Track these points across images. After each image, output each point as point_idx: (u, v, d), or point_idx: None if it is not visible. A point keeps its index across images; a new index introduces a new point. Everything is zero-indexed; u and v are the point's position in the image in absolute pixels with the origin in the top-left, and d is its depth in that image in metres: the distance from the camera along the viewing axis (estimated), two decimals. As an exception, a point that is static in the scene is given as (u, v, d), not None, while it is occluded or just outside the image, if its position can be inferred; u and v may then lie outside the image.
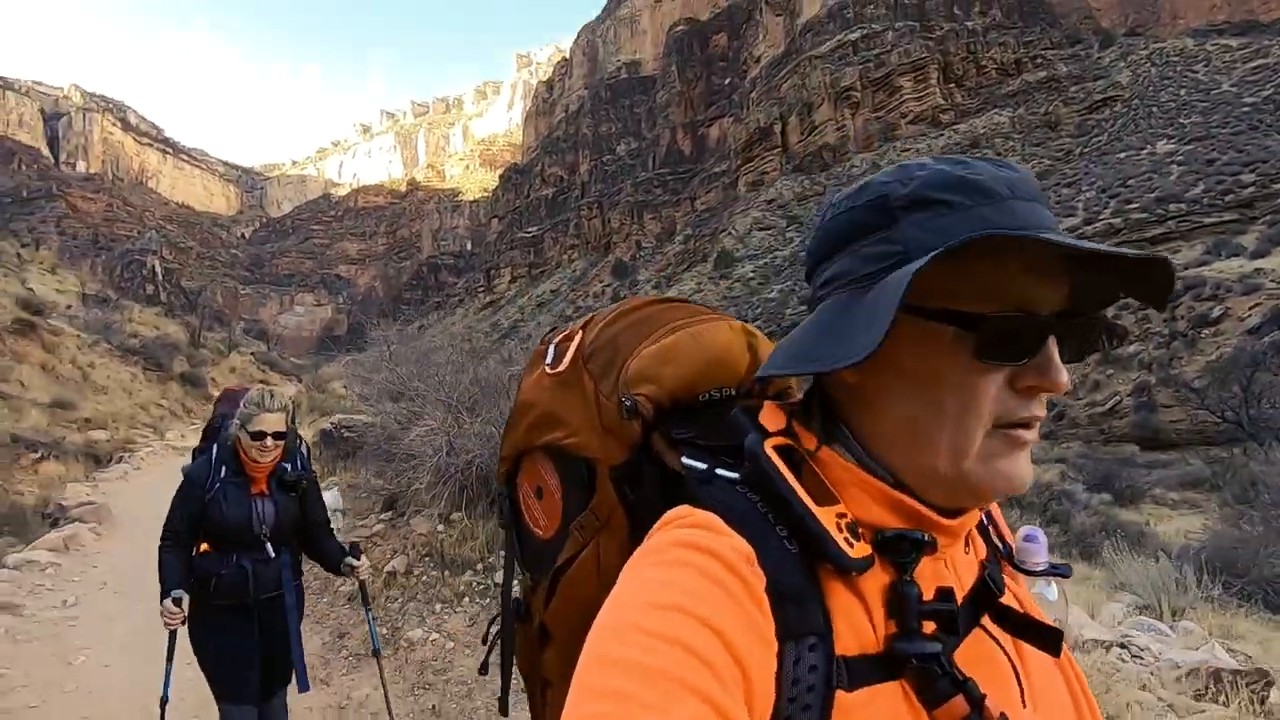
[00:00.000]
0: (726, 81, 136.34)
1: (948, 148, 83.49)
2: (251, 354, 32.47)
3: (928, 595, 0.58)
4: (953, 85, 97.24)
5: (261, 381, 26.92)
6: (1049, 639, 0.63)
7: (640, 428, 0.71)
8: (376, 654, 3.12)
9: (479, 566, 5.21)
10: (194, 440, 14.68)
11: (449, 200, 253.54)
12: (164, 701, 2.71)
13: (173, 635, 2.64)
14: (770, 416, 0.65)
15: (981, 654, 0.61)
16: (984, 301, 0.56)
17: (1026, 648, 0.64)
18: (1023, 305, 0.56)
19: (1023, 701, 0.61)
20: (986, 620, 0.64)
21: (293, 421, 2.84)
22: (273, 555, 2.72)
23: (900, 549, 0.58)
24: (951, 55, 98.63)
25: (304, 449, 2.96)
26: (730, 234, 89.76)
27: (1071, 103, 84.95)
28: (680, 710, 0.43)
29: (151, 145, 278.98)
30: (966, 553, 0.67)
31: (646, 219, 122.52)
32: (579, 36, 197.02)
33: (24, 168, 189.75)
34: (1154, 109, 72.96)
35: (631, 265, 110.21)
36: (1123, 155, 63.39)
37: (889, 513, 0.60)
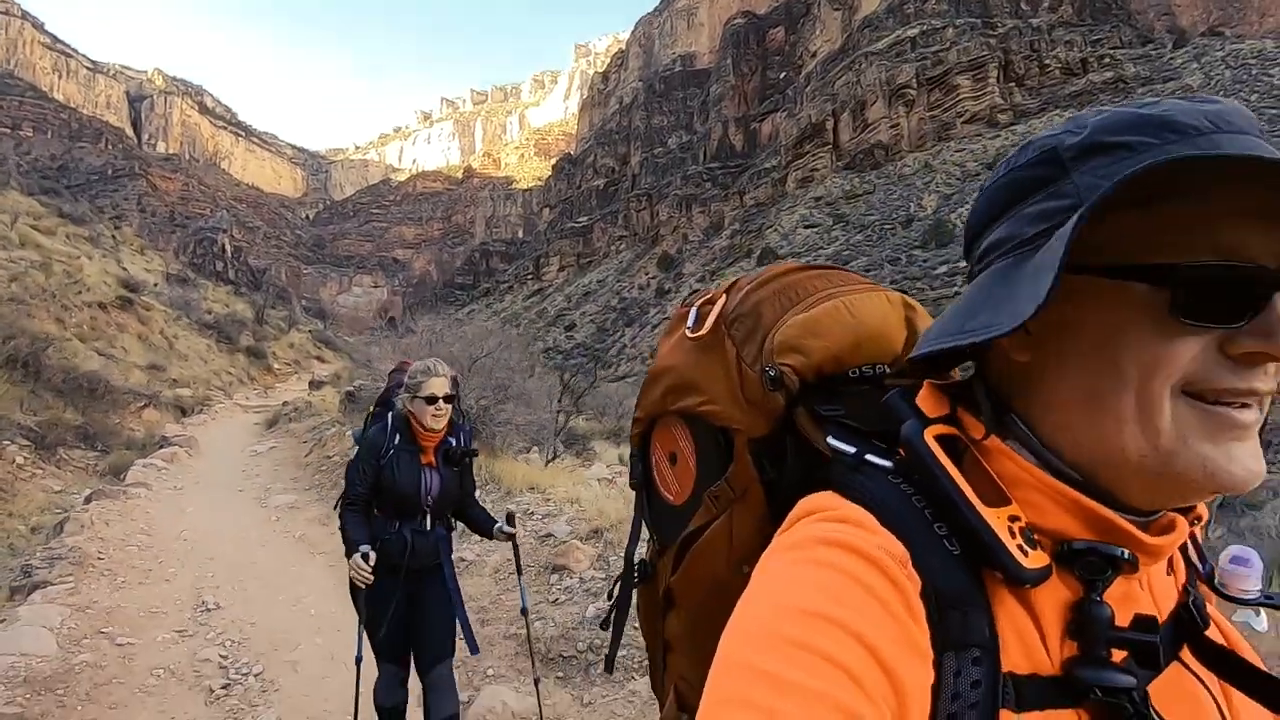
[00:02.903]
0: (782, 76, 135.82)
1: (1003, 149, 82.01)
2: (309, 331, 35.20)
3: (1121, 620, 0.51)
4: (1013, 85, 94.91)
5: (316, 357, 29.71)
6: (1270, 693, 0.53)
7: (784, 400, 0.67)
8: (524, 612, 3.21)
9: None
10: (256, 402, 17.50)
11: (503, 188, 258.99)
12: (359, 660, 2.85)
13: (355, 594, 2.73)
14: (930, 400, 0.58)
15: (1181, 692, 0.53)
16: (1181, 253, 0.47)
17: (1236, 693, 0.55)
18: (1232, 255, 0.46)
19: None
20: (1186, 654, 0.56)
21: (458, 397, 2.96)
22: (430, 526, 2.83)
23: (1091, 565, 0.50)
24: (1013, 53, 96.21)
25: (468, 426, 3.06)
26: (776, 230, 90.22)
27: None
28: None
29: (226, 128, 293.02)
30: (1169, 575, 0.58)
31: (695, 212, 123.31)
32: (635, 28, 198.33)
33: (110, 147, 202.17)
34: (1221, 114, 70.39)
35: (678, 258, 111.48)
36: (1179, 163, 61.60)
37: (1073, 520, 0.52)
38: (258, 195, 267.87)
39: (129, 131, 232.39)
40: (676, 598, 0.78)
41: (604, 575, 4.73)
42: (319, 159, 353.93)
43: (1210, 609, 0.60)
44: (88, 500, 6.81)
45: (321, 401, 14.05)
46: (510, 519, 3.01)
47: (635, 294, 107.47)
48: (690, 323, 0.78)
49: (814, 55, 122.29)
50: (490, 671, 3.90)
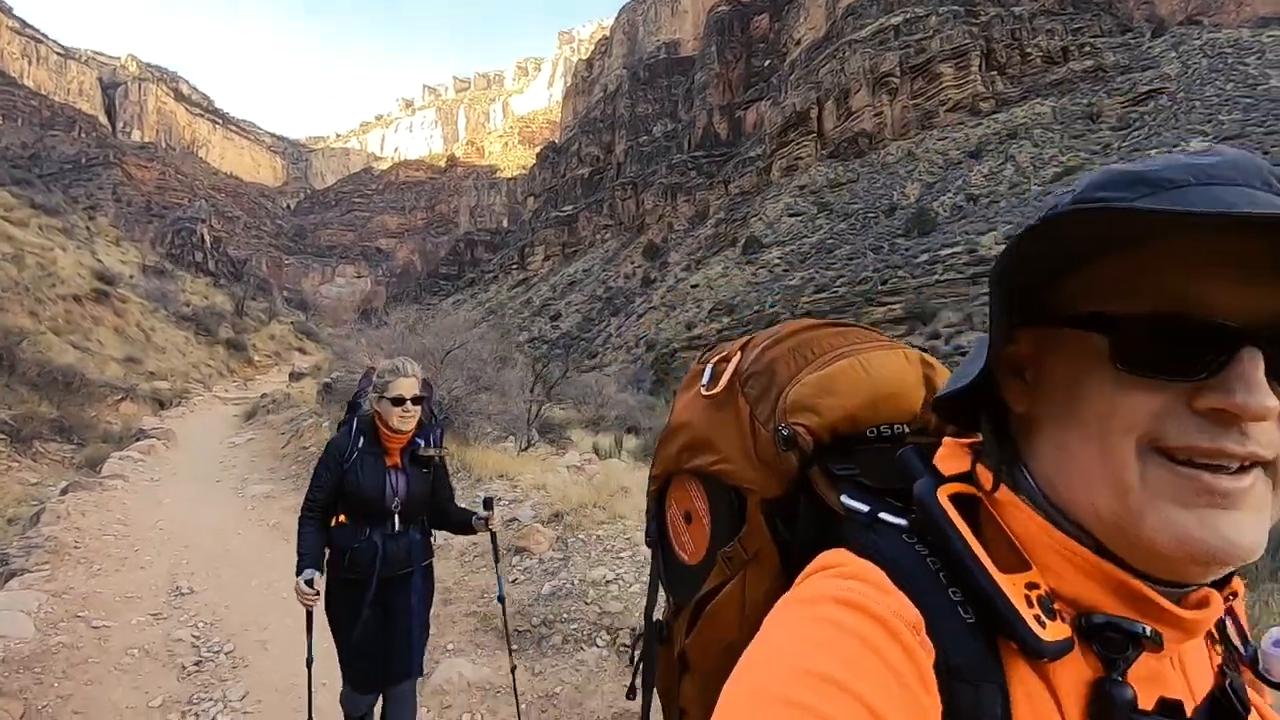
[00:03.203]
0: (766, 64, 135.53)
1: (985, 137, 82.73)
2: (291, 323, 34.99)
3: (1145, 702, 0.47)
4: (995, 73, 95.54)
5: (298, 349, 29.59)
6: None
7: (797, 460, 0.65)
8: (501, 600, 3.24)
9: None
10: (235, 394, 17.50)
11: (487, 177, 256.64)
12: (309, 661, 2.80)
13: (309, 611, 2.64)
14: (950, 457, 0.57)
15: None
16: (1137, 302, 0.45)
17: None
18: (1189, 306, 0.44)
19: None
20: None
21: (431, 397, 2.88)
22: (400, 529, 2.72)
23: (1110, 641, 0.47)
24: (995, 41, 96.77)
25: (440, 427, 2.97)
26: (760, 219, 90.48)
27: (1116, 94, 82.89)
28: None
29: (202, 116, 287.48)
30: (1206, 654, 0.55)
31: (680, 201, 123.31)
32: (619, 15, 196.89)
33: (83, 135, 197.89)
34: (1197, 103, 71.17)
35: (663, 247, 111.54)
36: (1154, 151, 62.50)
37: (1094, 586, 0.49)
38: (237, 184, 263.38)
39: (103, 119, 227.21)
40: (691, 661, 0.76)
41: (562, 556, 4.96)
42: (299, 147, 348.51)
43: (1252, 695, 0.56)
44: (64, 492, 6.93)
45: (300, 393, 14.13)
46: (489, 503, 2.89)
47: (621, 283, 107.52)
48: (705, 380, 0.77)
49: (798, 43, 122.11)
50: (450, 646, 4.11)
